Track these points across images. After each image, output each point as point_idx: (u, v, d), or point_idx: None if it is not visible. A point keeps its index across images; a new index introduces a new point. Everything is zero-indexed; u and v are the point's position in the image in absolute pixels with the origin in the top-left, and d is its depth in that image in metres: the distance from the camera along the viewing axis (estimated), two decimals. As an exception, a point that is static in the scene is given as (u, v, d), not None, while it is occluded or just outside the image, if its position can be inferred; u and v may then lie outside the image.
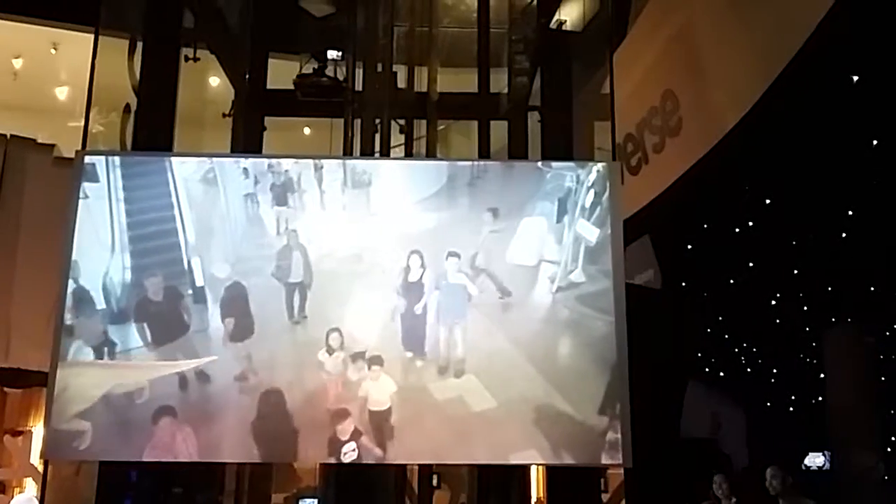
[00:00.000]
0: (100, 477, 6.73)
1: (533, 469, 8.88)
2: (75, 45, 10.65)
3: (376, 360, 5.96)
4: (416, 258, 6.09)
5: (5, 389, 10.19)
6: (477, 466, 7.57)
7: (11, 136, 9.79)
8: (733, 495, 5.87)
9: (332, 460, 5.91)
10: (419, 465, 7.53)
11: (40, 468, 9.21)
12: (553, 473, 7.36)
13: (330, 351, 5.96)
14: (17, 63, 11.35)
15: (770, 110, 6.49)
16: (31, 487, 9.79)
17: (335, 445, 5.81)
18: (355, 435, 5.82)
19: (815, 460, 10.35)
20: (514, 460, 6.26)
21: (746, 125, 6.73)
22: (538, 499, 9.63)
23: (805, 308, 9.42)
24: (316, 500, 8.08)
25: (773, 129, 6.83)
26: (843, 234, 7.84)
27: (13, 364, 9.64)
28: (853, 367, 9.77)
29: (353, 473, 6.82)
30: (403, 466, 7.30)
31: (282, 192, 6.27)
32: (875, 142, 6.67)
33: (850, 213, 7.59)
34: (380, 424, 5.85)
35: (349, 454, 5.79)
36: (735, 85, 6.95)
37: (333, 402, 5.89)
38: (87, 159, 6.25)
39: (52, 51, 11.18)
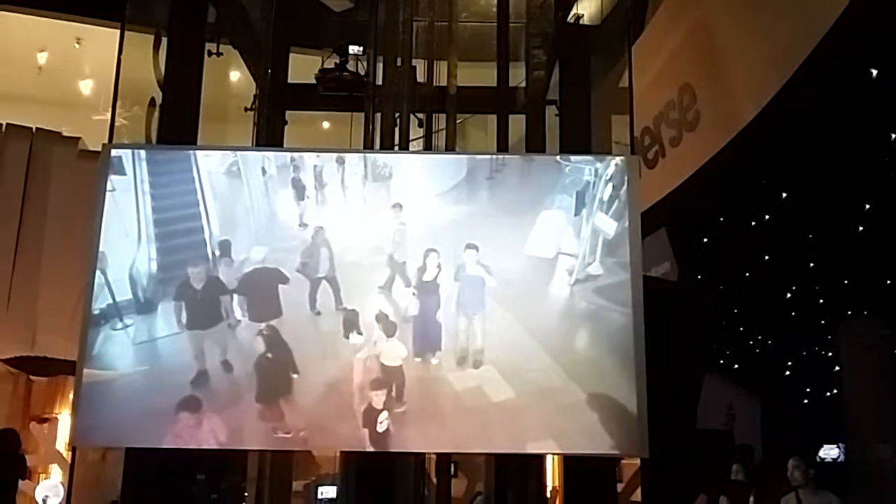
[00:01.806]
0: (126, 463, 6.88)
1: (549, 458, 8.97)
2: (98, 39, 10.86)
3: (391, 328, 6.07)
4: (433, 257, 6.17)
5: (31, 377, 10.39)
6: (494, 455, 7.67)
7: (37, 129, 9.95)
8: (752, 485, 5.94)
9: (360, 434, 5.95)
10: (437, 454, 7.64)
11: (66, 455, 9.44)
12: (569, 463, 7.43)
13: (350, 333, 6.07)
14: (42, 57, 11.54)
15: (788, 104, 6.52)
16: (56, 474, 10.01)
17: (366, 416, 5.90)
18: (383, 404, 5.91)
19: (829, 452, 10.38)
20: (531, 450, 6.35)
21: (764, 119, 6.77)
22: (554, 488, 9.72)
23: (820, 301, 9.43)
24: (335, 488, 8.22)
25: (790, 123, 6.86)
26: (860, 228, 7.86)
27: (39, 353, 9.84)
28: (868, 360, 9.78)
29: (372, 461, 6.93)
30: (422, 455, 7.42)
31: (304, 186, 6.38)
32: (893, 136, 6.69)
33: (867, 206, 7.61)
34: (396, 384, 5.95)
35: (383, 423, 5.86)
36: (753, 79, 6.99)
37: (361, 376, 5.99)
38: (114, 152, 6.37)
39: (76, 45, 11.36)
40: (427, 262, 6.16)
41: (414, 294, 6.17)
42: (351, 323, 6.11)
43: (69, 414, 9.45)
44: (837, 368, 9.91)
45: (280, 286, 6.15)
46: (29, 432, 9.76)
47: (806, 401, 10.39)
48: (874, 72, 6.24)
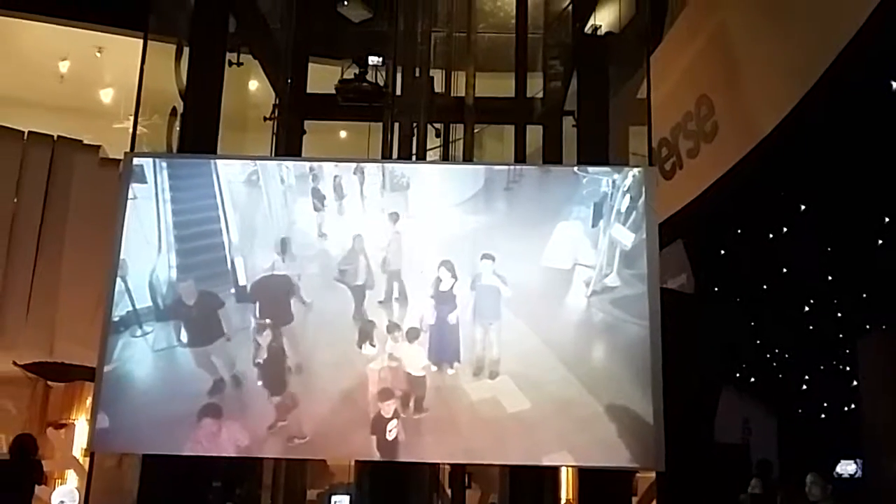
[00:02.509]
0: (142, 470, 6.91)
1: (563, 470, 8.94)
2: (119, 48, 11.00)
3: (413, 333, 6.10)
4: (445, 269, 6.17)
5: (49, 383, 10.47)
6: (508, 467, 7.64)
7: (59, 136, 10.06)
8: (770, 500, 5.90)
9: (368, 449, 5.97)
10: (451, 465, 7.63)
11: (82, 461, 9.50)
12: (583, 475, 7.40)
13: (369, 341, 6.09)
14: (64, 66, 11.68)
15: (806, 116, 6.50)
16: (72, 479, 10.07)
17: (379, 425, 5.91)
18: (397, 413, 5.92)
19: (846, 468, 10.27)
20: (547, 462, 6.33)
21: (782, 131, 6.75)
22: (567, 500, 9.68)
23: (838, 315, 9.36)
24: (348, 497, 8.22)
25: (808, 135, 6.83)
26: (879, 241, 7.80)
27: (57, 359, 9.93)
28: (887, 375, 9.68)
29: (386, 471, 6.92)
30: (437, 465, 7.41)
31: (322, 195, 6.42)
32: (913, 149, 6.64)
33: (886, 219, 7.55)
34: (412, 394, 5.96)
35: (392, 431, 5.87)
36: (771, 90, 6.97)
37: (375, 385, 6.00)
38: (136, 161, 6.44)
39: (97, 54, 11.50)
40: (441, 274, 6.16)
41: (430, 304, 6.17)
42: (366, 333, 6.13)
43: (86, 420, 9.52)
44: (855, 383, 9.81)
45: (290, 294, 6.19)
46: (46, 438, 9.83)
47: (823, 416, 10.29)
48: (894, 84, 6.20)
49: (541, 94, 8.37)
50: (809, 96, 6.33)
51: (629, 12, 8.12)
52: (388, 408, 5.96)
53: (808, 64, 6.33)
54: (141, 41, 6.97)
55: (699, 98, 8.14)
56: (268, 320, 6.17)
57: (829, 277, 8.67)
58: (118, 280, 6.19)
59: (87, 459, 7.14)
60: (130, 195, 6.33)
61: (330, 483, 9.52)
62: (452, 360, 6.09)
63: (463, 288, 6.17)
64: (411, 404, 6.00)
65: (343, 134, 10.81)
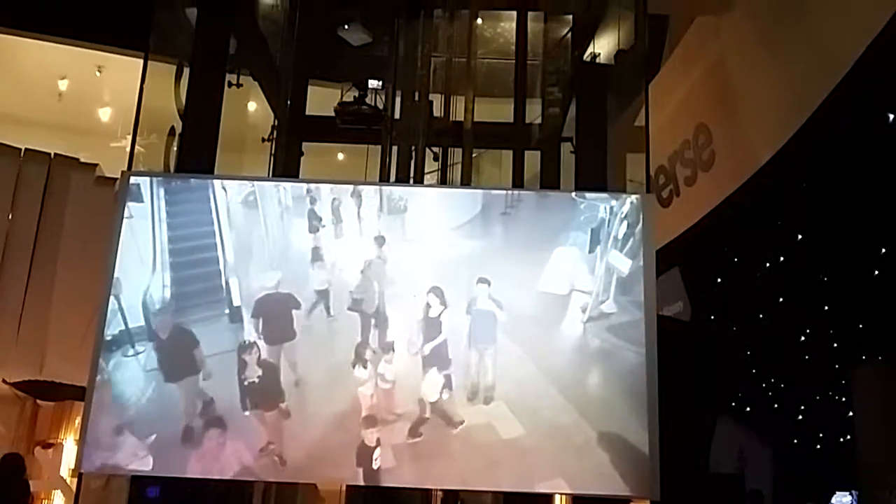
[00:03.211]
0: (130, 491, 6.82)
1: (557, 499, 8.84)
2: (118, 67, 11.02)
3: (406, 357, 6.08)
4: (433, 296, 6.14)
5: (38, 402, 10.35)
6: (502, 494, 7.56)
7: (55, 154, 10.03)
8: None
9: (361, 474, 5.90)
10: (444, 491, 7.54)
11: (69, 481, 9.35)
12: (577, 502, 7.33)
13: (361, 363, 6.05)
14: (63, 84, 11.71)
15: (803, 146, 6.54)
16: (59, 500, 9.92)
17: (370, 450, 5.86)
18: (388, 438, 5.89)
19: (842, 499, 10.20)
20: (541, 489, 6.24)
21: (779, 160, 6.78)
22: (561, 529, 9.56)
23: (834, 345, 9.35)
24: (339, 523, 8.10)
25: (805, 165, 6.87)
26: (875, 272, 7.82)
27: (47, 377, 9.81)
28: (882, 406, 9.65)
29: (378, 497, 6.84)
30: (429, 491, 7.32)
31: (319, 217, 6.41)
32: (909, 180, 6.68)
33: (883, 250, 7.57)
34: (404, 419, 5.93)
35: (383, 457, 5.83)
36: (769, 120, 7.02)
37: (366, 410, 5.97)
38: (133, 180, 6.43)
39: (97, 73, 11.52)
40: (430, 301, 6.13)
41: (419, 329, 6.13)
42: (360, 355, 6.09)
43: (74, 440, 9.40)
44: (851, 414, 9.77)
45: (292, 312, 6.15)
46: (33, 457, 9.68)
47: (819, 446, 10.24)
48: (891, 116, 6.25)
49: (539, 120, 8.39)
50: (806, 127, 6.38)
51: (627, 41, 8.17)
52: (379, 432, 5.90)
53: (805, 95, 6.39)
54: (141, 61, 6.98)
55: (697, 127, 8.20)
56: (263, 339, 6.12)
57: (826, 307, 8.67)
58: (111, 299, 6.15)
59: (75, 480, 7.03)
60: (126, 214, 6.31)
61: (320, 508, 9.40)
62: (444, 387, 6.03)
63: (454, 314, 6.12)
64: (404, 429, 5.95)
65: (341, 156, 10.82)
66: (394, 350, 6.12)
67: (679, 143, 8.44)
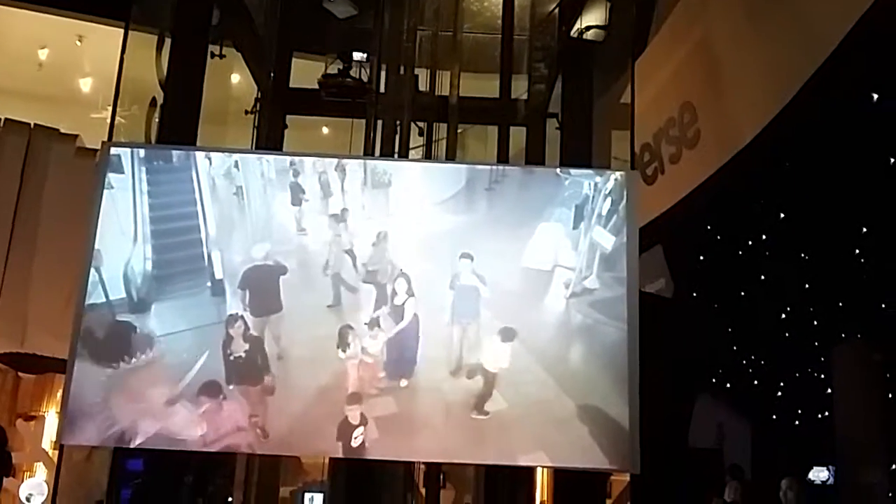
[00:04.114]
0: (112, 463, 6.83)
1: (538, 472, 8.94)
2: (100, 37, 10.85)
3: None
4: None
5: (20, 374, 10.31)
6: (483, 467, 7.63)
7: (35, 125, 9.91)
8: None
9: (340, 448, 5.93)
10: (426, 464, 7.60)
11: (51, 453, 9.35)
12: (558, 477, 7.40)
13: (344, 346, 6.04)
14: (43, 54, 11.51)
15: (787, 126, 6.54)
16: (41, 472, 9.91)
17: (348, 427, 5.87)
18: (371, 412, 5.89)
19: (819, 475, 10.34)
20: (522, 461, 6.33)
21: (763, 139, 6.79)
22: (542, 501, 9.69)
23: (814, 323, 9.42)
24: (322, 495, 8.16)
25: (789, 144, 6.88)
26: (856, 251, 7.87)
27: (29, 350, 9.78)
28: (860, 384, 9.77)
29: (360, 469, 6.89)
30: (411, 464, 7.38)
31: (302, 190, 6.37)
32: (892, 160, 6.71)
33: (864, 229, 7.62)
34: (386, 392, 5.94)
35: (358, 438, 5.84)
36: (754, 99, 7.02)
37: (349, 383, 5.98)
38: (113, 150, 6.36)
39: (77, 43, 11.34)
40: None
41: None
42: (343, 330, 6.08)
43: (56, 412, 9.37)
44: (829, 391, 9.88)
45: (280, 282, 6.13)
46: (15, 430, 9.67)
47: (797, 422, 10.35)
48: (875, 96, 6.26)
49: (525, 96, 8.37)
50: (791, 106, 6.38)
51: (616, 17, 8.12)
52: (362, 407, 5.92)
53: (790, 74, 6.38)
54: (122, 30, 6.88)
55: (683, 105, 8.18)
56: (250, 311, 6.09)
57: (806, 285, 8.73)
58: (92, 271, 6.10)
59: (57, 452, 7.02)
60: (106, 185, 6.25)
61: (304, 481, 9.45)
62: (424, 361, 6.03)
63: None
64: (387, 403, 5.96)
65: (326, 130, 10.75)
66: (379, 326, 6.12)
67: (664, 121, 8.43)
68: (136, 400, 5.95)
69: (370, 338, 6.10)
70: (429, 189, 6.48)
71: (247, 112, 8.29)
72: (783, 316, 9.39)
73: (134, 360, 6.03)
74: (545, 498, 9.64)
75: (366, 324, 6.12)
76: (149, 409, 5.89)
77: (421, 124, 8.14)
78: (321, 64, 8.07)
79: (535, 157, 8.02)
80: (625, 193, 6.28)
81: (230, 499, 8.02)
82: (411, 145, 7.79)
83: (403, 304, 6.12)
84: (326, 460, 7.39)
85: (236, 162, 6.43)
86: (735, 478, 6.69)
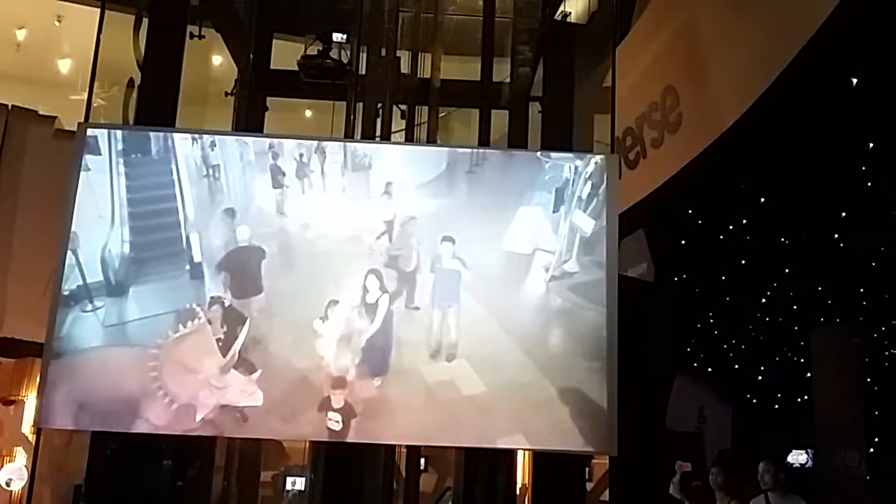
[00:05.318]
0: (91, 448, 6.79)
1: (519, 456, 8.98)
2: (79, 17, 10.69)
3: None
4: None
5: (-1, 359, 10.22)
6: (464, 451, 7.65)
7: (13, 106, 9.74)
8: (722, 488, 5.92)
9: (321, 432, 5.92)
10: (407, 448, 7.62)
11: (31, 438, 9.29)
12: (538, 460, 7.46)
13: (324, 330, 6.02)
14: (21, 34, 11.35)
15: (769, 110, 6.53)
16: (21, 457, 9.85)
17: (338, 408, 5.88)
18: (346, 406, 5.88)
19: (798, 458, 10.45)
20: (501, 444, 6.34)
21: (745, 123, 6.78)
22: (523, 485, 9.74)
23: (794, 307, 9.49)
24: (303, 479, 8.17)
25: (770, 129, 6.88)
26: (835, 235, 7.91)
27: (7, 334, 9.66)
28: (839, 367, 9.86)
29: (341, 453, 6.90)
30: (392, 448, 7.39)
31: (283, 172, 6.32)
32: (871, 145, 6.73)
33: (844, 214, 7.65)
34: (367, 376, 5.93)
35: (335, 423, 5.84)
36: (735, 83, 7.00)
37: (329, 371, 5.96)
38: (90, 132, 6.28)
39: (56, 23, 11.18)
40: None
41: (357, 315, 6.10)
42: (325, 313, 6.06)
43: (36, 397, 9.30)
44: (809, 375, 9.97)
45: (262, 266, 6.10)
46: (-6, 414, 9.61)
47: (777, 406, 10.45)
48: (854, 80, 6.26)
49: (507, 79, 8.34)
50: (772, 89, 6.36)
51: (598, 1, 8.10)
52: (342, 390, 5.91)
53: (771, 57, 6.36)
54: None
55: (665, 89, 8.14)
56: (231, 293, 6.05)
57: (786, 270, 8.77)
58: (69, 254, 6.05)
59: (36, 436, 6.97)
60: (83, 167, 6.18)
61: (285, 465, 9.46)
62: (404, 345, 6.02)
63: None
64: (368, 386, 5.95)
65: (308, 113, 10.67)
66: (362, 309, 6.09)
67: (647, 105, 8.38)
68: (114, 384, 5.90)
69: (352, 321, 6.07)
70: (410, 172, 6.45)
71: (227, 94, 8.20)
72: (763, 300, 9.46)
73: (111, 343, 5.98)
74: (526, 482, 9.70)
75: (348, 307, 6.09)
76: (126, 394, 5.85)
77: (403, 107, 8.09)
78: (302, 46, 8.01)
79: (517, 140, 8.01)
80: (605, 177, 6.29)
81: (212, 482, 8.00)
82: (393, 128, 7.75)
83: (377, 301, 6.12)
84: (307, 445, 7.38)
85: (214, 143, 6.36)
86: (717, 463, 6.72)
